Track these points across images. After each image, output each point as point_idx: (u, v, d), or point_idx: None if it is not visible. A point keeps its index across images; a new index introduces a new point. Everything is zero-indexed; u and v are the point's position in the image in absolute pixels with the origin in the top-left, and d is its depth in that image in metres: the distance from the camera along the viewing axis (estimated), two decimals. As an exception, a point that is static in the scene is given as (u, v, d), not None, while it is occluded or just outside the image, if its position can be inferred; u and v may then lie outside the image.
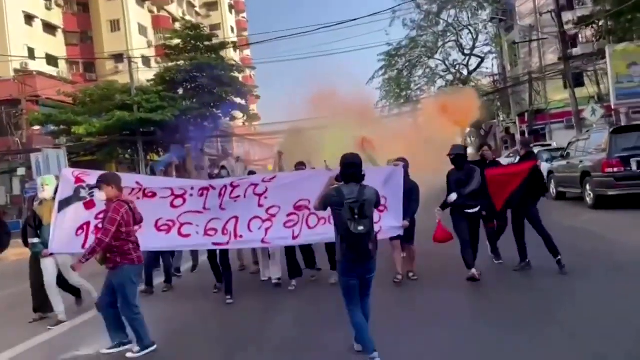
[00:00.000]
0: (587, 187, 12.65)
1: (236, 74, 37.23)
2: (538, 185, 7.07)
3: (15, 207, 27.31)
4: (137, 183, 6.93)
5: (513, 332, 4.85)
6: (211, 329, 6.12)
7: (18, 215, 26.81)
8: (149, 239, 6.47)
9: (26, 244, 7.23)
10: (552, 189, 15.37)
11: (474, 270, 6.70)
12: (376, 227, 5.46)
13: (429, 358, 4.52)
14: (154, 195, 6.91)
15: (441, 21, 37.41)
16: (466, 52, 38.38)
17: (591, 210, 12.31)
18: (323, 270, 7.93)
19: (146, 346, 5.29)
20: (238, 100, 36.69)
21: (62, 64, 44.73)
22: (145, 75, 37.24)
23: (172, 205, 6.93)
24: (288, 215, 6.93)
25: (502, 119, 39.01)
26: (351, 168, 4.45)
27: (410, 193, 6.94)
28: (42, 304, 7.17)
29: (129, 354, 5.27)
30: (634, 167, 11.46)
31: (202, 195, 7.00)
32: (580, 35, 26.02)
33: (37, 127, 29.95)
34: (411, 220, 7.03)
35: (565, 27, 21.37)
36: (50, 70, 40.21)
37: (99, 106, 30.24)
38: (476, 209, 6.85)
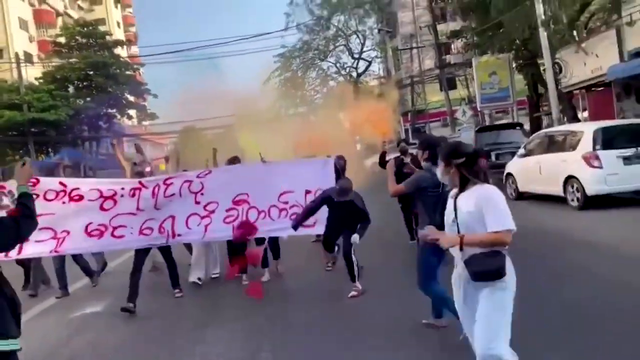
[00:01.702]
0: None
1: (131, 72, 36.91)
2: None
3: None
4: (61, 184, 6.26)
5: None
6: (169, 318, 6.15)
7: None
8: (79, 243, 6.31)
9: None
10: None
11: None
12: (311, 219, 6.28)
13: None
14: (81, 198, 6.28)
15: (332, 26, 40.12)
16: (355, 55, 41.48)
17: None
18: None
19: None
20: (133, 99, 36.43)
21: None
22: (29, 72, 35.56)
23: (102, 209, 6.34)
24: (227, 210, 6.66)
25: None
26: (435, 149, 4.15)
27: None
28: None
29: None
30: (493, 158, 14.27)
31: (133, 195, 6.44)
32: (453, 46, 29.68)
33: None
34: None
35: (440, 38, 24.69)
36: None
37: (-16, 105, 28.76)
38: None
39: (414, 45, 33.94)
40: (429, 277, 4.44)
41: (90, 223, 6.26)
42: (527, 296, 3.84)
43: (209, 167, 7.60)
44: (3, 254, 4.86)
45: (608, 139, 9.19)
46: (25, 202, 2.78)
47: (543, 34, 14.14)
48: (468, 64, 23.11)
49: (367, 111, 10.05)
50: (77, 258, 7.81)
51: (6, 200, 5.94)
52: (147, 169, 7.17)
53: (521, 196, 11.32)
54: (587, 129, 9.73)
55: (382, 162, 8.04)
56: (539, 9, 13.85)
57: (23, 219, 2.69)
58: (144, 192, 6.40)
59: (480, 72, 20.88)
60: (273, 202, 6.63)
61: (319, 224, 6.58)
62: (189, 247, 8.02)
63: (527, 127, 19.43)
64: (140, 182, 6.47)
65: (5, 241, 2.69)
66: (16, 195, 5.39)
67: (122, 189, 6.38)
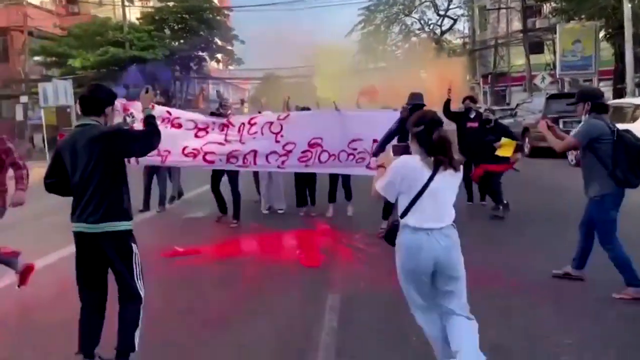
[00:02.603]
0: (526, 140, 15.86)
1: (222, 18, 38.71)
2: None
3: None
4: (168, 112, 7.63)
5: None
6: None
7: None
8: (178, 161, 7.68)
9: None
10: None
11: None
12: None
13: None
14: (180, 126, 7.53)
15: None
16: (440, 12, 41.00)
17: (528, 158, 15.39)
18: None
19: None
20: (222, 43, 38.28)
21: (45, -6, 44.85)
22: (130, 12, 38.24)
23: (196, 136, 7.52)
24: (302, 152, 7.51)
25: (467, 78, 42.11)
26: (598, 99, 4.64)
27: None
28: None
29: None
30: (561, 125, 14.67)
31: (222, 130, 7.59)
32: (542, 9, 28.91)
33: (37, 58, 31.19)
34: None
35: (528, 1, 24.28)
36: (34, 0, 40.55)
37: (91, 41, 31.62)
38: None
39: (503, 5, 33.20)
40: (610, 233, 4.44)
41: (186, 147, 7.47)
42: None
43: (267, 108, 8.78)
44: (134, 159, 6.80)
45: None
46: (151, 121, 3.40)
47: (627, 5, 14.10)
48: (554, 29, 22.74)
49: (436, 68, 10.74)
50: (160, 184, 9.16)
51: (129, 120, 7.25)
52: (229, 113, 8.09)
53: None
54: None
55: (446, 110, 8.36)
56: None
57: (153, 133, 3.38)
58: (230, 128, 7.57)
59: (564, 39, 20.65)
60: (343, 148, 7.50)
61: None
62: (257, 185, 9.14)
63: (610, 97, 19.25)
64: (228, 120, 7.62)
65: (147, 147, 3.38)
66: (137, 117, 7.05)
67: (214, 123, 7.61)
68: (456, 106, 8.92)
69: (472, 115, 8.47)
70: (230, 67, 46.99)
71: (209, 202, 8.47)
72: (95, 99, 3.33)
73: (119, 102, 7.51)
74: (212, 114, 8.29)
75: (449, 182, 2.88)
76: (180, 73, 37.29)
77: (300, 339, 3.82)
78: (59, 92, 22.58)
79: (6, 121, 31.28)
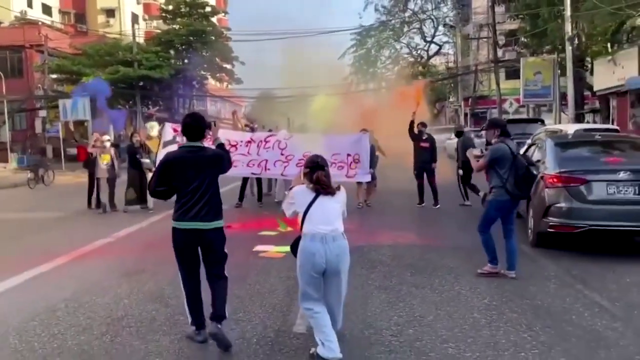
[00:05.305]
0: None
1: (224, 41, 41.49)
2: None
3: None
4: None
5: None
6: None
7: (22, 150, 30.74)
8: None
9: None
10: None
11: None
12: (351, 172, 10.32)
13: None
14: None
15: (408, 9, 42.85)
16: (427, 39, 44.18)
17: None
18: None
19: None
20: (226, 65, 40.96)
21: (56, 14, 47.65)
22: (136, 32, 40.94)
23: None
24: (299, 160, 9.90)
25: (451, 100, 45.18)
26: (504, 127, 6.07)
27: (372, 151, 10.98)
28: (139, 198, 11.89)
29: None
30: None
31: (247, 145, 10.72)
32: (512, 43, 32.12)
33: (54, 75, 33.83)
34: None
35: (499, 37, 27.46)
36: (46, 19, 43.25)
37: (103, 60, 34.32)
38: None
39: (484, 34, 36.25)
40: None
41: None
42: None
43: (278, 129, 12.05)
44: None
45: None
46: (223, 148, 4.36)
47: (568, 47, 16.94)
48: (518, 61, 25.76)
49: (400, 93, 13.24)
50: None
51: (178, 139, 9.56)
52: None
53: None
54: (569, 129, 12.79)
55: (410, 130, 11.07)
56: (567, 26, 16.64)
57: (228, 156, 4.34)
58: (252, 144, 10.70)
59: (527, 71, 23.61)
60: (327, 158, 10.20)
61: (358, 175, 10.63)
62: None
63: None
64: (251, 138, 10.83)
65: (230, 166, 4.33)
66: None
67: (241, 140, 10.70)
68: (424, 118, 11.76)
69: (424, 137, 11.21)
70: (230, 87, 49.72)
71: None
72: (199, 127, 4.17)
73: (169, 125, 10.58)
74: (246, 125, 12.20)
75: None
76: (184, 90, 39.98)
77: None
78: (78, 108, 25.19)
79: (22, 132, 33.83)
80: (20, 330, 4.55)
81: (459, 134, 12.01)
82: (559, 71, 22.75)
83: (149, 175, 10.73)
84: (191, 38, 37.27)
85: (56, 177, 19.71)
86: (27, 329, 4.59)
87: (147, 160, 11.51)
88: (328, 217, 3.92)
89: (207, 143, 4.33)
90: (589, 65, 21.07)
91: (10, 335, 4.46)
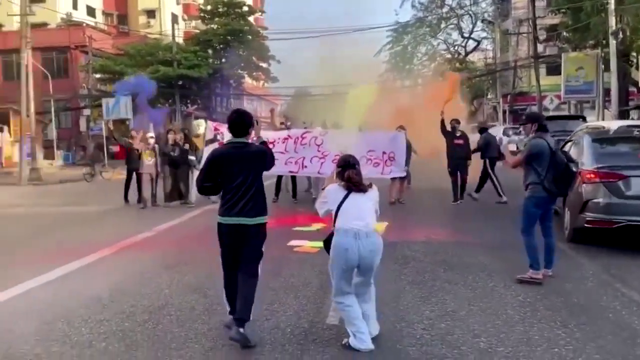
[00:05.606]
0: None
1: (261, 40, 41.93)
2: None
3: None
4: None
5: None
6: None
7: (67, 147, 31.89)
8: None
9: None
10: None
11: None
12: (387, 170, 10.26)
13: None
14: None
15: (446, 5, 42.24)
16: (465, 35, 43.45)
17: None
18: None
19: None
20: (263, 64, 41.38)
21: (99, 15, 49.22)
22: (176, 32, 41.79)
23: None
24: (335, 156, 10.00)
25: (490, 97, 44.33)
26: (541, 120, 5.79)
27: (408, 149, 10.98)
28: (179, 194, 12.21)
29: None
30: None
31: (284, 142, 10.55)
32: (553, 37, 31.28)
33: (98, 75, 35.02)
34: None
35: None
36: (90, 20, 44.72)
37: (144, 60, 35.24)
38: None
39: (523, 30, 35.48)
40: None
41: None
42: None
43: (313, 126, 11.85)
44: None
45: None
46: (266, 145, 4.41)
47: (612, 42, 16.43)
48: (559, 56, 25.08)
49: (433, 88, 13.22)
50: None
51: (219, 137, 9.90)
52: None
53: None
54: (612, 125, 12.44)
55: (442, 128, 11.03)
56: (611, 20, 16.14)
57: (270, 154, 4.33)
58: (289, 140, 10.57)
59: (568, 66, 22.96)
60: (363, 154, 10.01)
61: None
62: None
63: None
64: (288, 135, 10.73)
65: (269, 164, 4.27)
66: (226, 135, 9.85)
67: (279, 138, 10.55)
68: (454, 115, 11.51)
69: (458, 134, 11.11)
70: (266, 85, 50.28)
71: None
72: (244, 123, 4.17)
73: (211, 123, 10.85)
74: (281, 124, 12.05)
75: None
76: (221, 89, 40.64)
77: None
78: (120, 106, 25.98)
79: (67, 130, 35.16)
80: (69, 317, 4.80)
81: (482, 130, 11.95)
82: (603, 66, 22.04)
83: (196, 172, 10.75)
84: (229, 37, 37.79)
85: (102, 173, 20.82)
86: (75, 315, 4.84)
87: (193, 158, 11.71)
88: (360, 213, 3.97)
89: (250, 140, 4.37)
90: (634, 60, 20.36)
91: (59, 320, 4.71)
